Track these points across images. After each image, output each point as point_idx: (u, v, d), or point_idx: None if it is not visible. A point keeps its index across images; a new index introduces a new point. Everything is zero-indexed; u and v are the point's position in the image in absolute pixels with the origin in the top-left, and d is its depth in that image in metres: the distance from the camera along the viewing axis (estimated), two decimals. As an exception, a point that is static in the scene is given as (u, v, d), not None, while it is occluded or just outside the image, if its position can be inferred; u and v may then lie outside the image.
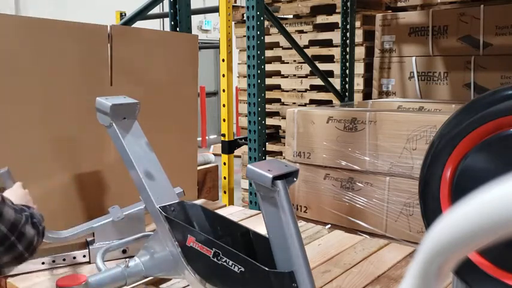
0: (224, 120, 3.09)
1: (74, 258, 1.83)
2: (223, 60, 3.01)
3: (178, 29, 2.88)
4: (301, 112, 2.80)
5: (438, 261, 0.48)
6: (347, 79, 3.89)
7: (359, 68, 4.04)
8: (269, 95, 4.33)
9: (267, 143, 3.06)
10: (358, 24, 3.94)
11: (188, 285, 1.62)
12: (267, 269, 1.25)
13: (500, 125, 1.04)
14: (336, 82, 3.92)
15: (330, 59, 4.11)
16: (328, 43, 4.10)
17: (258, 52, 2.71)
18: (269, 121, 4.28)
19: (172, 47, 2.41)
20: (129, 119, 1.66)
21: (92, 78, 2.07)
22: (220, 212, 2.21)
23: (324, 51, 4.14)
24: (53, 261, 1.79)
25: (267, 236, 1.32)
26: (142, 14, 2.95)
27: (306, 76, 4.28)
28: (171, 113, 2.41)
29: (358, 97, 4.03)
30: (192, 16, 3.00)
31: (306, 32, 4.21)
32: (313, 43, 4.21)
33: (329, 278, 1.79)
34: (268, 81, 4.19)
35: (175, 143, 2.44)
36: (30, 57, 1.85)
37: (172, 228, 1.48)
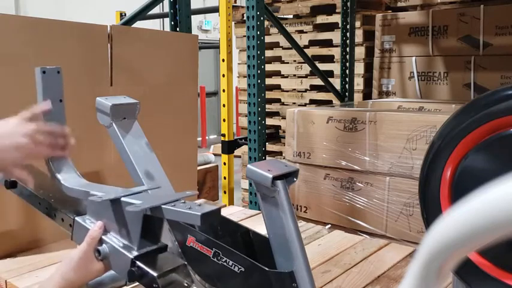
0: (224, 120, 3.09)
1: None
2: (223, 60, 3.01)
3: (178, 29, 2.89)
4: (301, 112, 2.80)
5: (438, 261, 0.48)
6: (347, 79, 3.89)
7: (359, 68, 4.04)
8: (269, 95, 4.33)
9: (267, 143, 3.06)
10: (358, 24, 3.94)
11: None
12: (267, 269, 1.25)
13: (500, 125, 1.04)
14: (336, 82, 3.92)
15: (330, 59, 4.11)
16: (328, 43, 4.10)
17: (258, 52, 2.71)
18: (269, 121, 4.28)
19: (172, 47, 2.42)
20: (129, 119, 1.66)
21: (92, 78, 2.07)
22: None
23: (324, 51, 4.14)
24: None
25: (267, 236, 1.32)
26: (142, 14, 2.95)
27: (306, 76, 4.28)
28: (171, 113, 2.41)
29: (358, 97, 4.03)
30: (192, 16, 3.00)
31: (306, 32, 4.22)
32: (313, 43, 4.21)
33: (329, 278, 1.79)
34: (268, 81, 4.19)
35: (175, 143, 2.44)
36: (30, 57, 1.85)
37: (172, 228, 1.48)
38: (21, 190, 1.35)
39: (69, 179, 1.33)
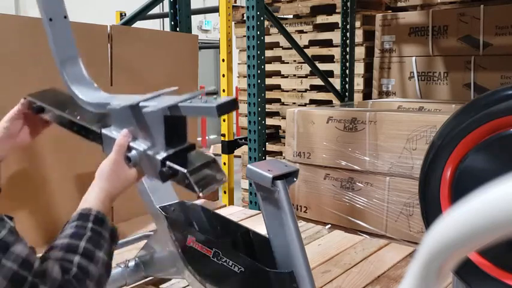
0: (224, 120, 3.09)
1: None
2: (223, 60, 3.01)
3: (178, 29, 2.88)
4: (301, 112, 2.80)
5: (438, 261, 0.48)
6: (347, 79, 3.89)
7: (359, 68, 4.04)
8: (269, 95, 4.33)
9: (267, 143, 3.06)
10: (358, 24, 3.94)
11: (188, 285, 1.62)
12: (267, 269, 1.25)
13: (500, 125, 1.04)
14: (336, 82, 3.92)
15: (330, 59, 4.11)
16: (328, 43, 4.10)
17: (258, 52, 2.71)
18: (269, 121, 4.28)
19: (172, 47, 2.42)
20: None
21: (92, 78, 2.07)
22: (220, 212, 2.21)
23: (324, 51, 4.14)
24: None
25: (267, 236, 1.32)
26: (142, 14, 2.95)
27: (306, 76, 4.28)
28: (171, 113, 2.41)
29: (358, 97, 4.03)
30: (192, 16, 3.00)
31: (306, 32, 4.21)
32: (313, 43, 4.21)
33: (329, 278, 1.79)
34: (268, 81, 4.19)
35: (175, 143, 2.44)
36: (30, 57, 1.85)
37: (172, 228, 1.48)
38: (49, 113, 1.38)
39: (88, 93, 1.32)
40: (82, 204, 1.05)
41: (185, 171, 1.06)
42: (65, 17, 1.32)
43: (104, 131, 1.22)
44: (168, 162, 1.08)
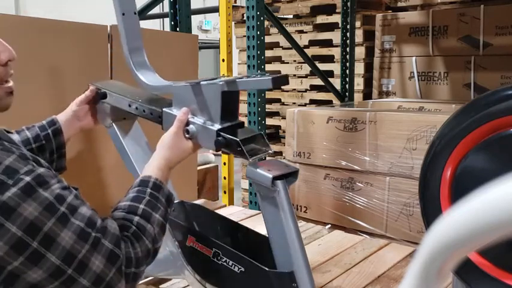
0: (224, 120, 3.09)
1: None
2: (223, 60, 3.01)
3: (178, 29, 2.88)
4: (301, 112, 2.80)
5: (438, 261, 0.48)
6: (347, 79, 3.89)
7: (359, 68, 4.04)
8: (269, 95, 4.33)
9: (267, 143, 3.05)
10: (358, 24, 3.94)
11: (188, 285, 1.62)
12: (267, 269, 1.25)
13: (500, 125, 1.04)
14: (336, 82, 3.92)
15: (330, 59, 4.11)
16: (328, 43, 4.10)
17: (258, 52, 2.71)
18: (269, 121, 4.27)
19: (172, 47, 2.42)
20: (129, 119, 1.66)
21: (92, 78, 2.06)
22: (220, 212, 2.21)
23: (324, 51, 4.14)
24: None
25: (267, 236, 1.32)
26: (142, 14, 2.95)
27: (306, 76, 4.28)
28: (171, 113, 2.41)
29: (358, 97, 4.03)
30: (192, 16, 3.00)
31: (306, 32, 4.21)
32: (313, 43, 4.21)
33: (329, 278, 1.79)
34: (268, 81, 4.18)
35: (175, 143, 2.44)
36: (30, 57, 1.85)
37: (172, 228, 1.48)
38: (112, 98, 1.51)
39: (150, 78, 1.51)
40: (144, 172, 1.19)
41: (238, 139, 1.24)
42: (135, 13, 1.52)
43: (165, 109, 1.38)
44: (222, 133, 1.26)
